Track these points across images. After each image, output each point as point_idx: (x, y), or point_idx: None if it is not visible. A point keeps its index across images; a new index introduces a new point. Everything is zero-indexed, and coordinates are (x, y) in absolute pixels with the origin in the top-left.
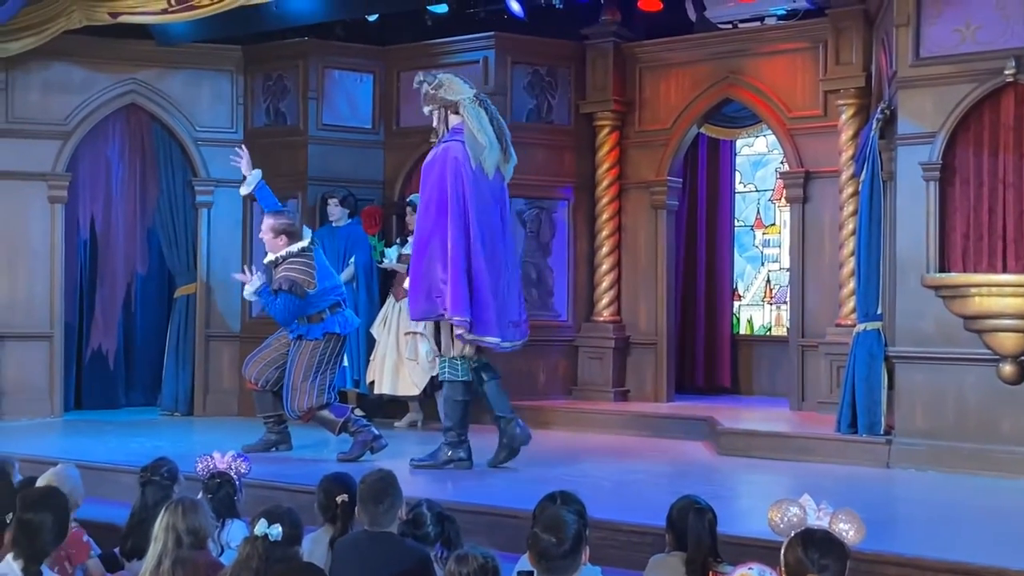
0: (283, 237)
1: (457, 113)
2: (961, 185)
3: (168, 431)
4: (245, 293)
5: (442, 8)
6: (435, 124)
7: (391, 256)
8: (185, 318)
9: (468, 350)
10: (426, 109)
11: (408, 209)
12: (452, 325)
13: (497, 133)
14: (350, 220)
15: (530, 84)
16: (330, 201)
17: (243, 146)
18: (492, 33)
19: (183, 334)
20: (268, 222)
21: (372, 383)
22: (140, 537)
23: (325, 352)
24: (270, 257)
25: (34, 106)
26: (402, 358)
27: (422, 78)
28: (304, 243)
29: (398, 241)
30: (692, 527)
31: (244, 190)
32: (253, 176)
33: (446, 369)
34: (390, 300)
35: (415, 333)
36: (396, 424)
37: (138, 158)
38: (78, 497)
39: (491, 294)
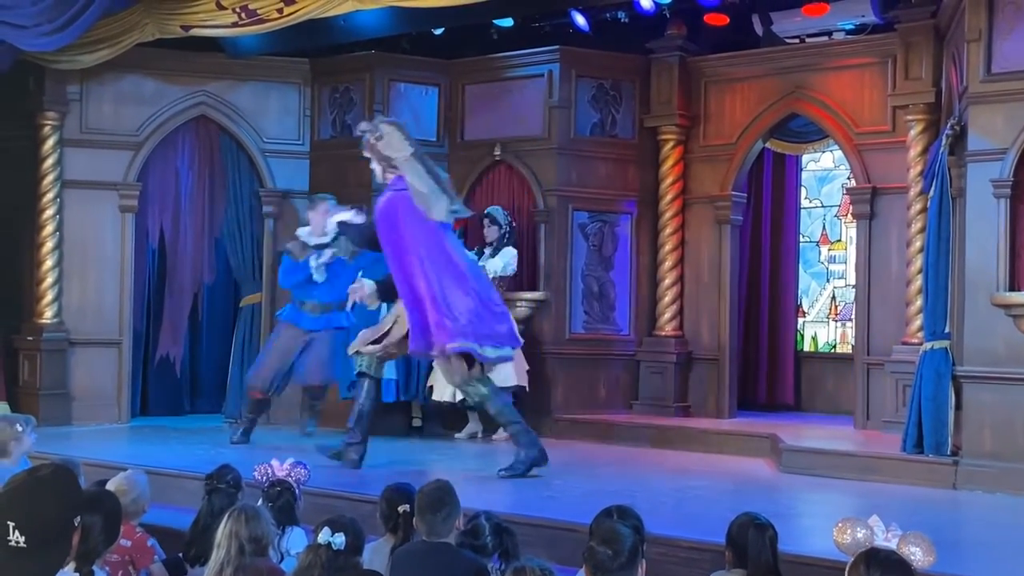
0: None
1: (394, 167)
2: None
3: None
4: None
5: (507, 22)
6: (373, 166)
7: None
8: (250, 327)
9: (476, 371)
10: (367, 154)
11: (485, 220)
12: (451, 356)
13: (436, 181)
14: None
15: (594, 98)
16: None
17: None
18: (557, 47)
19: (248, 343)
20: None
21: (431, 387)
22: (204, 543)
23: None
24: (317, 240)
25: (107, 117)
26: None
27: (366, 127)
28: None
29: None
30: (752, 544)
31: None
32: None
33: (480, 389)
34: None
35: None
36: (456, 436)
37: (206, 169)
38: (144, 503)
39: (463, 310)
